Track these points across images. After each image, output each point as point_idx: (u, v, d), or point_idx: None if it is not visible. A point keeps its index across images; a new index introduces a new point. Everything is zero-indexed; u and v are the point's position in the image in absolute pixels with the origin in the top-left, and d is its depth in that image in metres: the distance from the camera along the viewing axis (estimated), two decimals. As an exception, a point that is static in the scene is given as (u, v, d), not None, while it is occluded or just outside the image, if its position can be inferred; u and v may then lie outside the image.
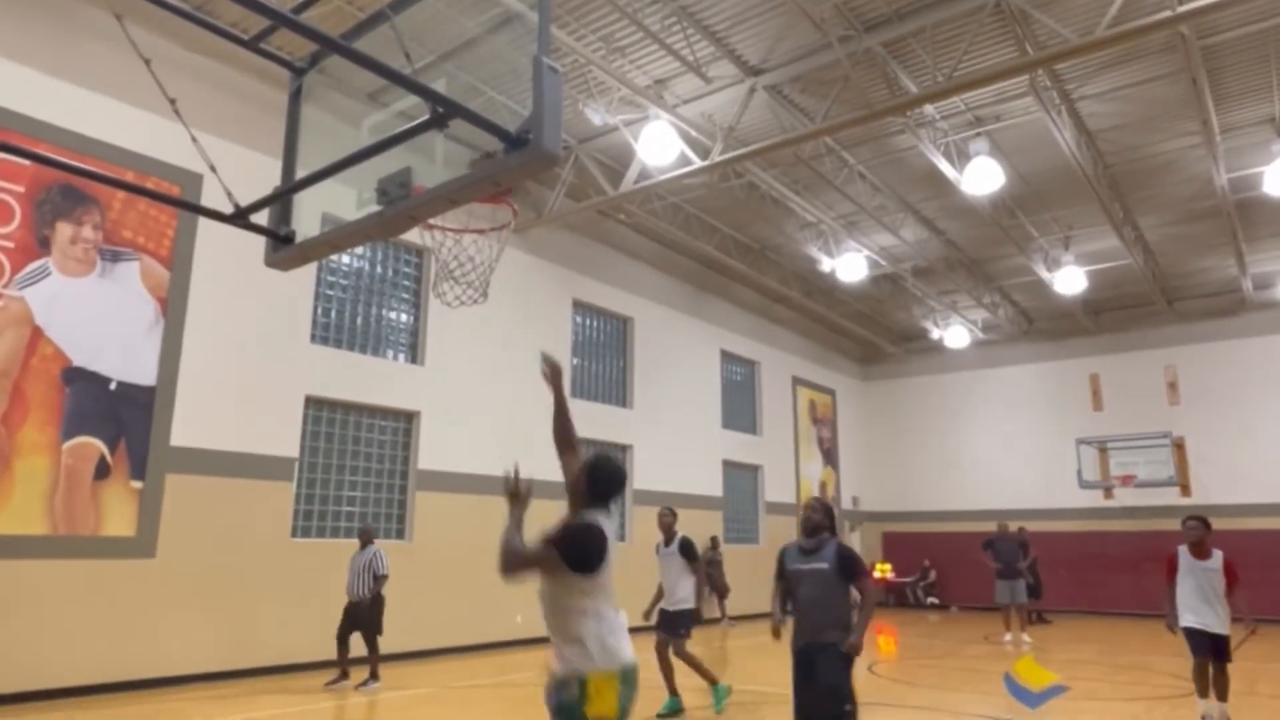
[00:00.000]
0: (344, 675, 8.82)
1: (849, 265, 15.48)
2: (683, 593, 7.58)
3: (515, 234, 13.17)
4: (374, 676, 8.85)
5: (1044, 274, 16.43)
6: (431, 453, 11.93)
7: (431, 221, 4.45)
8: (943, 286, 18.16)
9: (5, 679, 7.75)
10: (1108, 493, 19.54)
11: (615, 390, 15.85)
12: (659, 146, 10.94)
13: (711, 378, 18.15)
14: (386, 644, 10.69)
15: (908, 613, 20.19)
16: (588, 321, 15.54)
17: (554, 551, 2.90)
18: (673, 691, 7.39)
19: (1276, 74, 10.51)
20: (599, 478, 3.15)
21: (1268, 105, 11.25)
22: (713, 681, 7.41)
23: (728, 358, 18.96)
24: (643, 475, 15.70)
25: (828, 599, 4.61)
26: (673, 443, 16.56)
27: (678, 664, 7.53)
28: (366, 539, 9.14)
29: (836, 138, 12.04)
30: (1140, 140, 12.22)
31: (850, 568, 4.70)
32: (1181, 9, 8.09)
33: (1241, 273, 16.99)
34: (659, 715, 7.19)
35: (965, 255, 16.90)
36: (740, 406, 19.29)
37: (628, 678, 2.84)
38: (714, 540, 16.81)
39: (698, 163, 11.33)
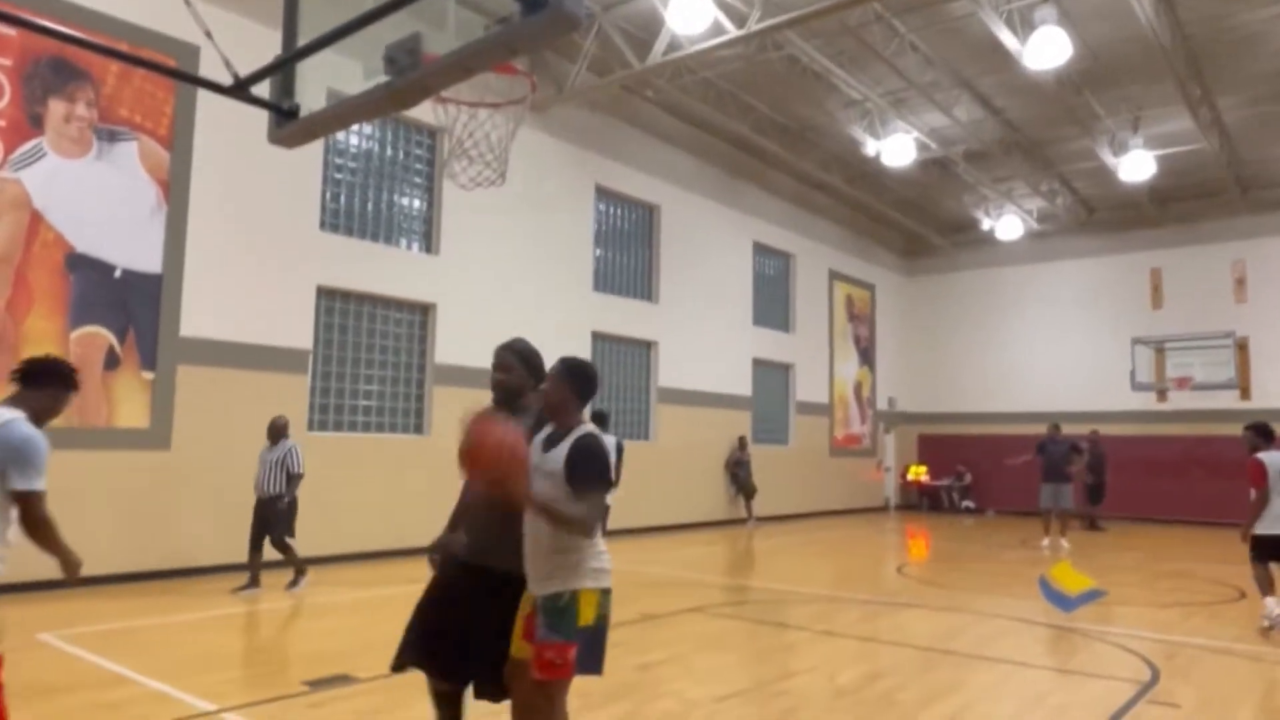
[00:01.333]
0: (255, 582, 8.43)
1: (895, 148, 15.05)
2: None
3: (534, 113, 12.89)
4: (300, 572, 8.58)
5: (1109, 159, 15.90)
6: (449, 346, 12.08)
7: (444, 94, 4.37)
8: (997, 172, 17.66)
9: (23, 568, 8.20)
10: (1161, 395, 19.45)
11: (640, 283, 15.81)
12: (690, 13, 10.53)
13: (743, 271, 18.01)
14: (407, 538, 11.13)
15: (942, 516, 20.59)
16: (611, 209, 15.36)
17: (592, 489, 3.10)
18: None
19: (1391, -72, 9.80)
20: (576, 375, 3.26)
21: (1377, -35, 10.54)
22: None
23: (760, 249, 18.75)
24: (668, 373, 15.83)
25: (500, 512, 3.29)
26: (700, 340, 16.60)
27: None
28: (278, 434, 8.60)
29: (886, 3, 11.48)
30: (1225, 9, 11.54)
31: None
32: None
33: (1329, 158, 16.33)
34: None
35: (1023, 137, 16.35)
36: (772, 302, 19.21)
37: (607, 596, 3.18)
38: (741, 440, 17.07)
39: (733, 32, 10.90)
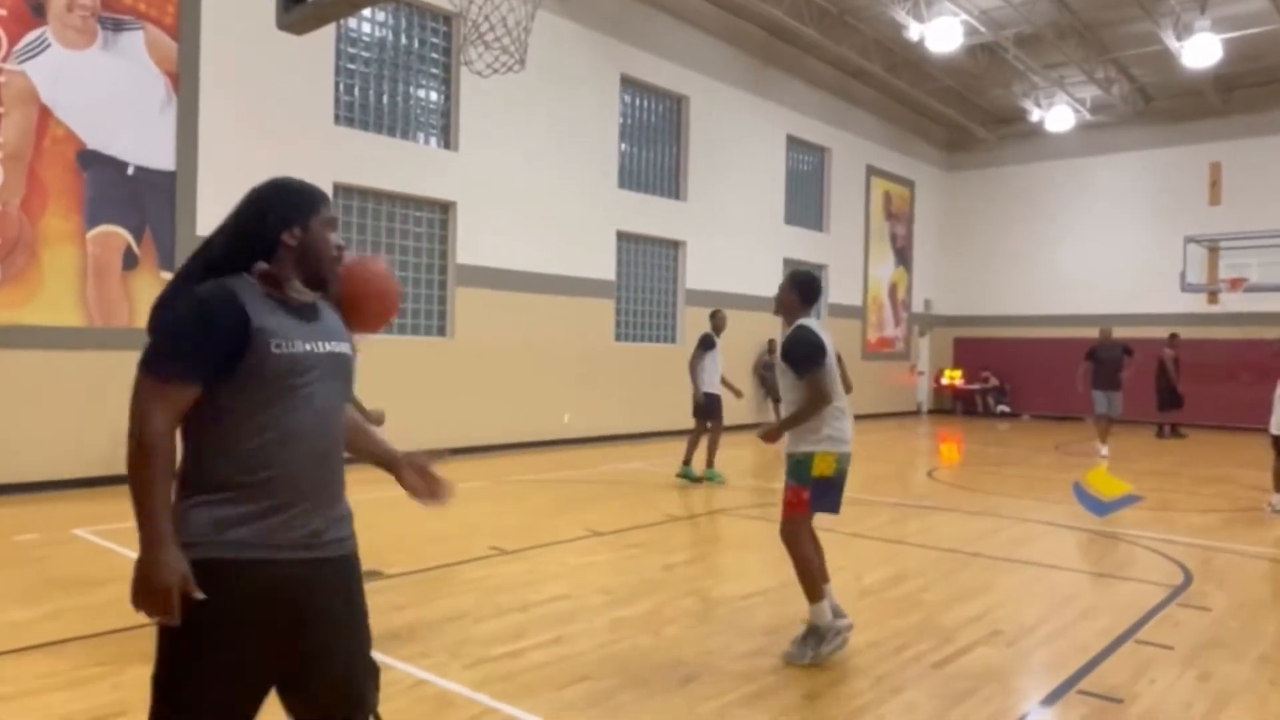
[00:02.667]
0: None
1: (941, 32, 14.42)
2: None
3: (555, -3, 12.47)
4: None
5: (1172, 43, 15.16)
6: (470, 246, 12.04)
7: (457, -25, 4.20)
8: (1049, 59, 16.92)
9: (49, 466, 8.50)
10: (1212, 297, 19.06)
11: (667, 180, 15.55)
12: (721, -115, 10.00)
13: (775, 167, 17.63)
14: (429, 439, 11.36)
15: (976, 421, 20.61)
16: (638, 101, 14.99)
17: (803, 367, 4.13)
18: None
19: None
20: (803, 285, 4.40)
21: None
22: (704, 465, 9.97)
23: (795, 144, 18.30)
24: (695, 274, 15.72)
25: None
26: (730, 239, 16.40)
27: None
28: None
29: None
30: None
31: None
32: None
33: None
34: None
35: (1080, 20, 15.60)
36: (806, 200, 18.85)
37: (843, 458, 4.22)
38: (771, 344, 17.03)
39: (767, -95, 10.37)
